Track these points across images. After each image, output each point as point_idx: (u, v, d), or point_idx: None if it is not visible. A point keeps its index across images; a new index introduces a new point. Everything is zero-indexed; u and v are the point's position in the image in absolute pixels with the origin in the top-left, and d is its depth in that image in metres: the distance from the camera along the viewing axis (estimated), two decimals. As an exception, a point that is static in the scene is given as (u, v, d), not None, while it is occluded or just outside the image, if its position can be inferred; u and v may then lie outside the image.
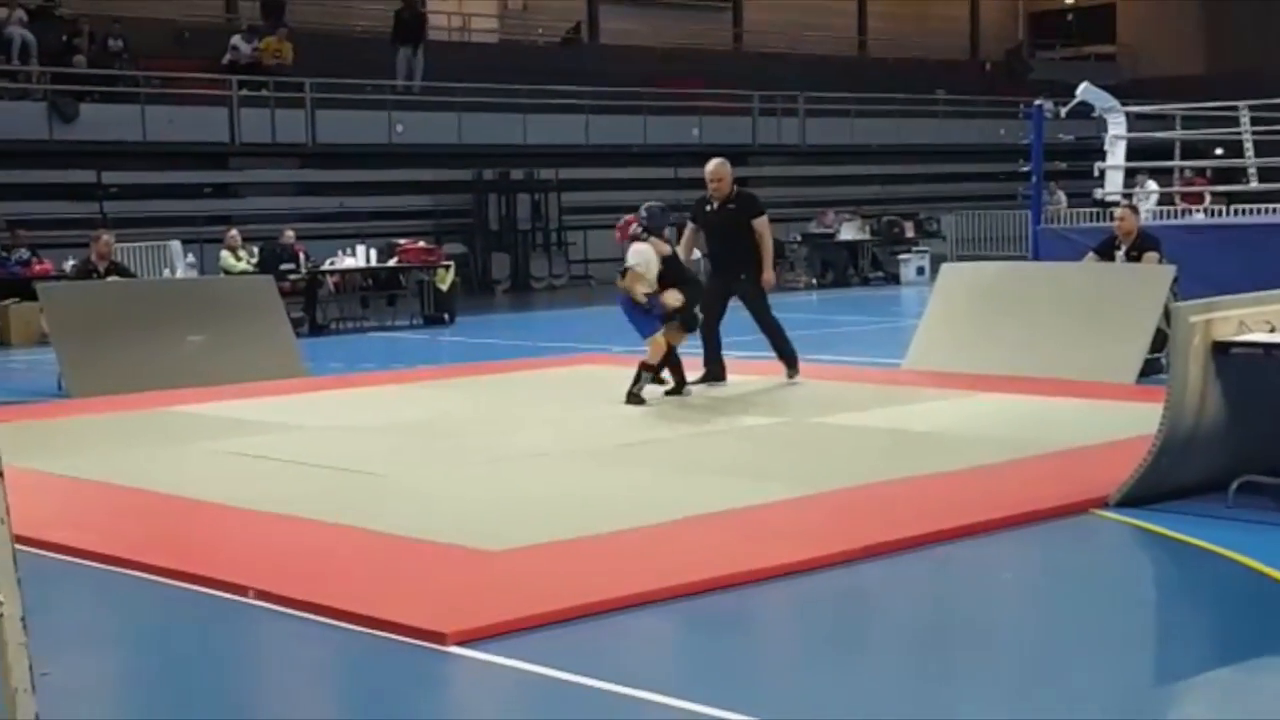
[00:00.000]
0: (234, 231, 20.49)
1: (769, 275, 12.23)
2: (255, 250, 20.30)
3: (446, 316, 20.72)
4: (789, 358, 12.39)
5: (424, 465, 9.25)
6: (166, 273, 19.98)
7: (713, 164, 12.39)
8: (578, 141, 28.45)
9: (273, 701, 5.34)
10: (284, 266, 19.32)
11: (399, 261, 20.91)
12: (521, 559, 6.70)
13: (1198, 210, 23.72)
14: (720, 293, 12.43)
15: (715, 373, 12.37)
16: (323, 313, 19.99)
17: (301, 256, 20.04)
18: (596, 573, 6.44)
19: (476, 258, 27.37)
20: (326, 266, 20.33)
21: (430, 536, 7.10)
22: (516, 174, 28.08)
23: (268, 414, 11.45)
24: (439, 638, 5.53)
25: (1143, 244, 13.30)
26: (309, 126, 25.30)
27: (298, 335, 15.89)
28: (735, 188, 12.43)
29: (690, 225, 12.75)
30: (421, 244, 21.93)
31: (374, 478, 8.81)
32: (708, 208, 12.44)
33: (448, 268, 21.01)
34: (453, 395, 12.50)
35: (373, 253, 20.75)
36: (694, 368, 12.23)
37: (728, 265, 12.39)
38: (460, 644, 5.50)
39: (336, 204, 25.86)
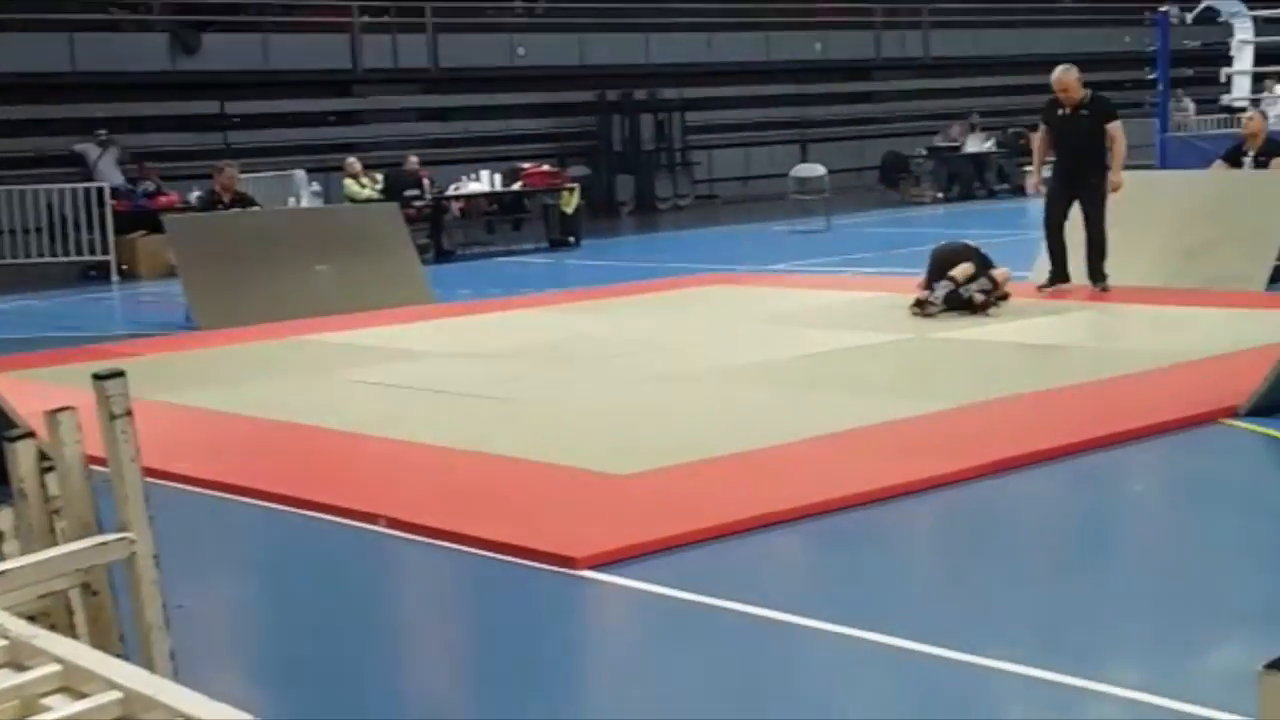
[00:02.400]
0: (353, 159, 20.61)
1: (1118, 178, 12.12)
2: (379, 177, 20.47)
3: (572, 239, 20.76)
4: (1099, 271, 12.25)
5: (553, 390, 9.31)
6: (292, 202, 20.22)
7: (1057, 72, 12.36)
8: (700, 60, 28.24)
9: (403, 627, 5.44)
10: (408, 193, 19.45)
11: (523, 185, 20.96)
12: (651, 481, 6.73)
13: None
14: (1066, 197, 12.33)
15: (1062, 275, 12.37)
16: (448, 239, 20.12)
17: (426, 183, 20.17)
18: (727, 494, 6.45)
19: (601, 179, 27.30)
20: (451, 192, 20.45)
21: (559, 461, 7.15)
22: (640, 94, 27.90)
23: (396, 341, 11.58)
24: (569, 562, 5.58)
25: (1271, 149, 13.00)
26: (431, 51, 25.38)
27: (423, 262, 16.00)
28: (1088, 91, 12.35)
29: (1043, 128, 12.75)
30: (545, 167, 21.96)
31: (503, 403, 8.89)
32: (1060, 112, 12.43)
33: (572, 190, 21.01)
34: (581, 319, 12.55)
35: (497, 177, 20.82)
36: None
37: (1080, 170, 12.29)
38: (591, 568, 5.55)
39: (460, 129, 25.93)
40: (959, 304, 11.14)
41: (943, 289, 11.22)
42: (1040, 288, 12.26)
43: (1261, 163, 12.90)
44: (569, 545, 5.72)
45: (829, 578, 5.66)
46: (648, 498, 6.51)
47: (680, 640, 5.02)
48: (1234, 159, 13.18)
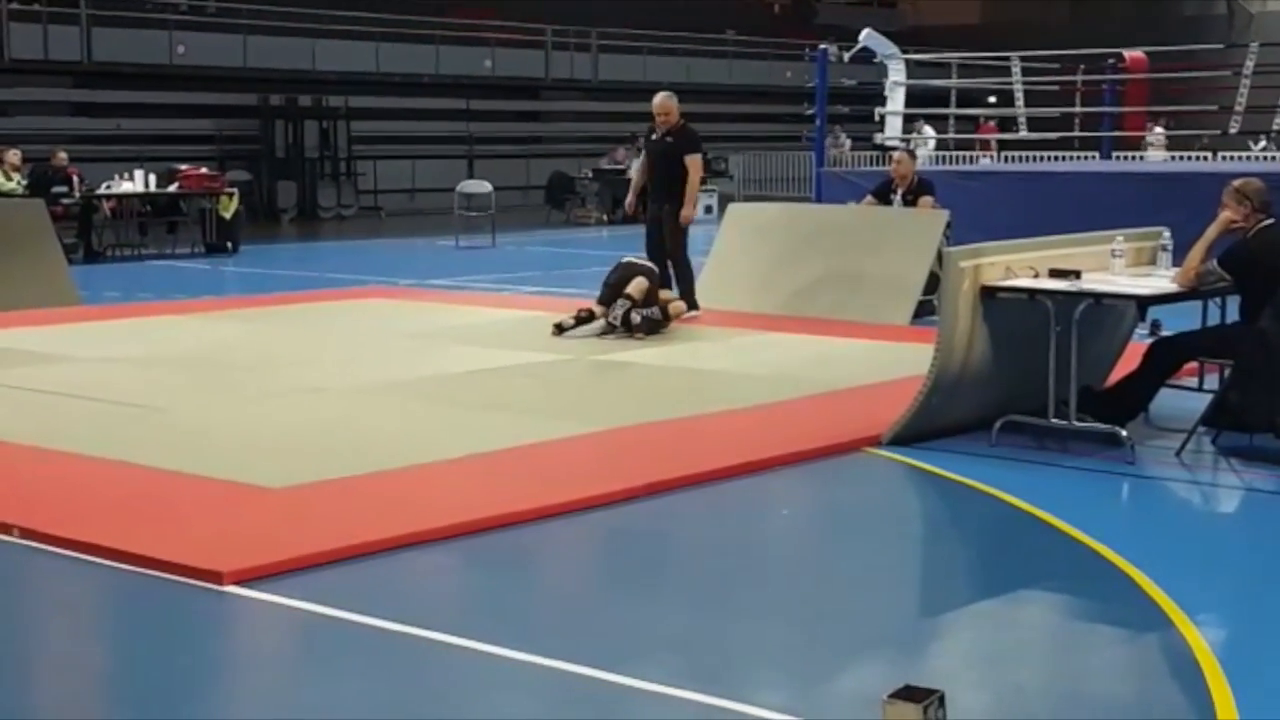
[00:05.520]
0: (16, 151, 19.47)
1: (687, 212, 12.33)
2: (25, 171, 19.47)
3: (229, 245, 20.25)
4: (689, 298, 12.43)
5: (204, 399, 9.05)
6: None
7: (659, 96, 12.66)
8: (368, 69, 27.99)
9: (40, 645, 5.19)
10: (56, 189, 18.62)
11: (180, 187, 20.32)
12: (301, 496, 6.62)
13: (986, 156, 24.40)
14: (656, 220, 12.60)
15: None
16: (98, 239, 19.36)
17: (75, 179, 19.34)
18: (377, 510, 6.39)
19: (262, 185, 26.78)
20: (102, 191, 19.66)
21: (208, 473, 6.96)
22: (304, 100, 27.50)
23: (38, 344, 11.06)
24: (215, 577, 5.44)
25: (918, 188, 13.60)
26: (84, 43, 24.40)
27: (70, 262, 15.39)
28: (682, 122, 12.59)
29: (644, 151, 13.12)
30: (204, 170, 21.35)
31: (152, 411, 8.58)
32: (653, 135, 12.77)
33: (231, 195, 20.49)
34: (235, 327, 12.24)
35: (152, 178, 20.12)
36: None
37: (660, 195, 12.59)
38: (237, 583, 5.41)
39: (114, 125, 25.00)
40: (628, 324, 11.22)
41: (620, 308, 11.29)
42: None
43: (909, 201, 13.49)
44: (214, 559, 5.57)
45: (479, 596, 5.67)
46: (297, 512, 6.40)
47: (327, 659, 4.94)
48: (883, 196, 13.75)
